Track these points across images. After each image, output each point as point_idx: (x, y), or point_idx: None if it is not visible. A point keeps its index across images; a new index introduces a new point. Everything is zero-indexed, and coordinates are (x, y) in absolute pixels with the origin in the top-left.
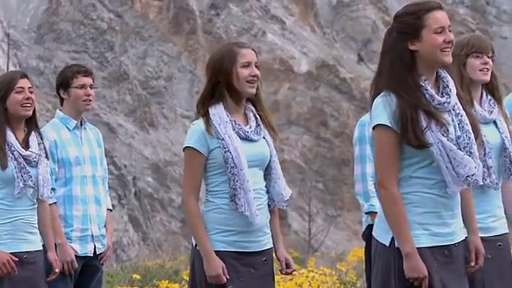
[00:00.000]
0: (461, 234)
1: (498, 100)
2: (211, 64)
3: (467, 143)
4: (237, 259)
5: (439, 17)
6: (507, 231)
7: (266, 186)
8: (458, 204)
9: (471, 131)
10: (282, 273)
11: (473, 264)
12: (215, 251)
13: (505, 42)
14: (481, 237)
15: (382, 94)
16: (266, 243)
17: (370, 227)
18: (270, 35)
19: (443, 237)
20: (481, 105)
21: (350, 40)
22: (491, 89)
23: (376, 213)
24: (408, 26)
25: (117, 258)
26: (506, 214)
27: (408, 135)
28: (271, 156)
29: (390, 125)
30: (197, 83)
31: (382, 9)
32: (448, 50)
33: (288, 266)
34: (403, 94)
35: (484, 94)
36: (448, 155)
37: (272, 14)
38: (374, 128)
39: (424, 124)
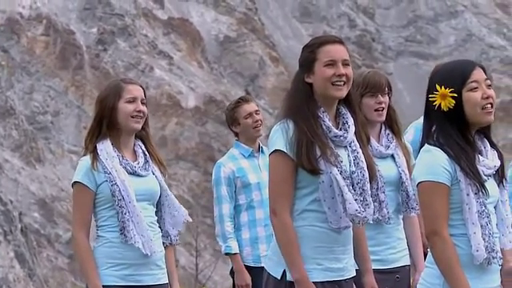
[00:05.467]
0: (352, 270)
1: (397, 133)
2: (98, 100)
3: (360, 179)
4: None
5: (331, 50)
6: (408, 263)
7: (158, 221)
8: (350, 240)
9: (366, 169)
10: None
11: None
12: (107, 286)
13: (390, 77)
14: (379, 269)
15: (280, 121)
16: (161, 278)
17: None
18: (158, 70)
19: (335, 272)
20: (379, 140)
21: (238, 75)
22: (390, 123)
23: (234, 254)
24: (304, 60)
25: None
26: (409, 249)
27: (302, 159)
28: (162, 191)
29: (285, 150)
30: (84, 118)
31: (269, 45)
32: (340, 83)
33: None
34: (300, 122)
35: (383, 129)
36: (339, 187)
37: (159, 50)
38: (270, 155)
39: (318, 153)
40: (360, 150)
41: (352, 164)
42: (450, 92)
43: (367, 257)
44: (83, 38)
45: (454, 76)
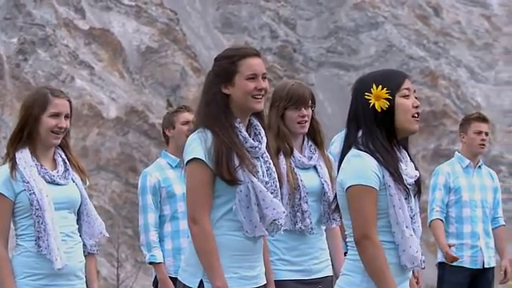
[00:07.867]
0: (264, 278)
1: (320, 144)
2: (23, 106)
3: (274, 189)
4: None
5: (253, 64)
6: (330, 274)
7: (78, 230)
8: (261, 248)
9: (277, 179)
10: None
11: None
12: None
13: (312, 88)
14: (302, 279)
15: (198, 130)
16: None
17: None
18: (79, 81)
19: (249, 280)
20: (301, 152)
21: (159, 86)
22: (312, 134)
23: (158, 263)
24: (222, 70)
25: None
26: (332, 260)
27: (222, 169)
28: (82, 199)
29: (204, 159)
30: (4, 129)
31: (191, 55)
32: (259, 97)
33: None
34: (218, 132)
35: (305, 140)
36: (257, 196)
37: (81, 60)
38: (187, 163)
39: (236, 163)
40: (271, 161)
41: (265, 174)
42: (386, 93)
43: (269, 268)
44: (3, 48)
45: (389, 80)
